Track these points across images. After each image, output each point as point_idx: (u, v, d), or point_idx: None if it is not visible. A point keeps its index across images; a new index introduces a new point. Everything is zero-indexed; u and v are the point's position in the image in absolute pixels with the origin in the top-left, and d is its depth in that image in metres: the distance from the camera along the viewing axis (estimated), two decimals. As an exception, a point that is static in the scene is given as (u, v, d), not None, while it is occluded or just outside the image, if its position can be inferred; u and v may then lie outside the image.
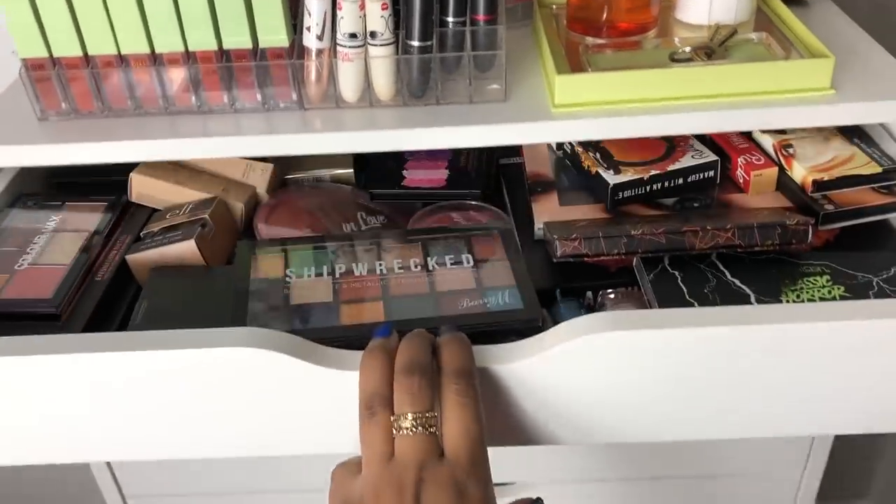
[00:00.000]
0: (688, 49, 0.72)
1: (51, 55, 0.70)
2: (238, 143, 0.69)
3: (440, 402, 0.51)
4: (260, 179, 0.77)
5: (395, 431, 0.50)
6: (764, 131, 0.74)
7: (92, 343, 0.55)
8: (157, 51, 0.70)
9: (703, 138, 0.76)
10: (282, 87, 0.70)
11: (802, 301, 0.59)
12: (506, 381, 0.55)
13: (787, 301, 0.59)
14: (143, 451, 0.59)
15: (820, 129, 0.73)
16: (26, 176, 0.79)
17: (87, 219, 0.72)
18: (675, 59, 0.71)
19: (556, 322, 0.65)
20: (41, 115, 0.73)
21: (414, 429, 0.49)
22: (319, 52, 0.68)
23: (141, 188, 0.74)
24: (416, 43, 0.68)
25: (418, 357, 0.52)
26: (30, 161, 0.73)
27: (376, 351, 0.53)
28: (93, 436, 0.58)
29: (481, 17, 0.68)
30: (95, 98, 0.72)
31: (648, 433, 0.58)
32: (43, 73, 0.71)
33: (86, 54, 0.70)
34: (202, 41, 0.69)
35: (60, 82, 0.71)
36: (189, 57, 0.70)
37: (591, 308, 0.67)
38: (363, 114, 0.71)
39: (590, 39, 0.76)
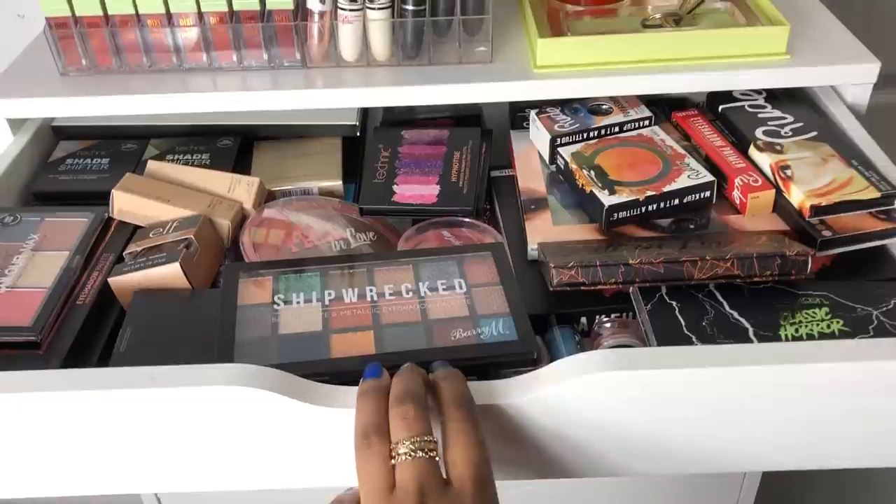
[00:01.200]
0: (658, 16, 0.81)
1: (73, 13, 0.77)
2: (246, 98, 0.78)
3: (442, 434, 0.49)
4: (246, 194, 0.75)
5: (393, 461, 0.48)
6: (761, 150, 0.73)
7: (73, 380, 0.53)
8: (172, 11, 0.77)
9: (699, 157, 0.75)
10: (286, 47, 0.79)
11: (801, 336, 0.58)
12: (506, 417, 0.54)
13: (786, 335, 0.58)
14: (129, 485, 0.58)
15: (817, 150, 0.72)
16: (2, 188, 0.77)
17: (67, 236, 0.70)
18: (646, 25, 0.81)
19: (549, 349, 0.64)
20: (62, 71, 0.81)
21: (412, 453, 0.47)
22: (322, 14, 0.76)
23: (123, 205, 0.72)
24: (410, 7, 0.76)
25: (410, 386, 0.51)
26: (52, 112, 0.81)
27: (369, 390, 0.52)
28: (75, 471, 0.57)
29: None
30: (113, 55, 0.79)
31: (648, 467, 0.57)
32: (65, 30, 0.78)
33: (105, 13, 0.77)
34: (214, 2, 0.76)
35: (81, 40, 0.78)
36: (201, 17, 0.77)
37: (586, 334, 0.66)
38: (361, 72, 0.79)
39: (569, 6, 0.86)
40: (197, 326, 0.63)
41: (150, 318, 0.64)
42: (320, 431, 0.54)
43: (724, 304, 0.61)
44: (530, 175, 0.78)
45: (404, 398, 0.50)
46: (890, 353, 0.52)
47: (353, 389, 0.53)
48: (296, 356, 0.58)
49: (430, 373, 0.54)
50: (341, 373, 0.56)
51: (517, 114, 0.87)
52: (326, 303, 0.62)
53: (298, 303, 0.62)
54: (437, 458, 0.48)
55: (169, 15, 0.77)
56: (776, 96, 0.81)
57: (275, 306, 0.62)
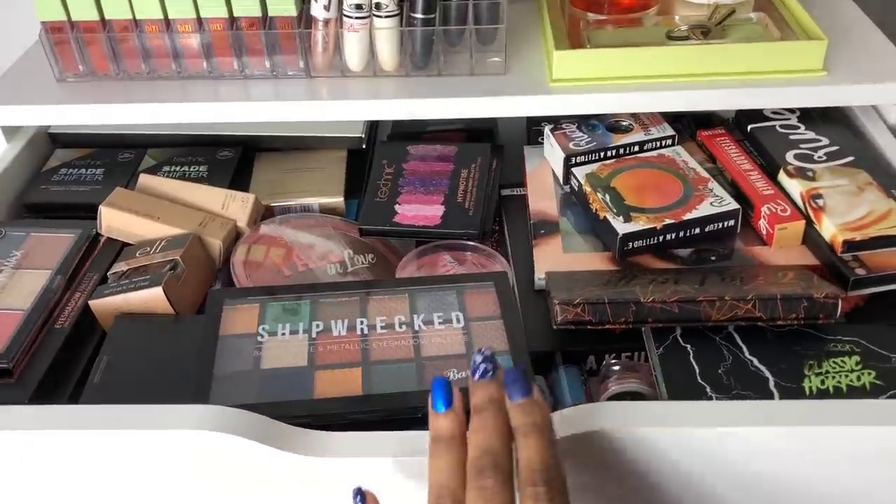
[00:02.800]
0: (685, 28, 0.75)
1: (69, 19, 0.74)
2: (247, 109, 0.74)
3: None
4: (240, 211, 0.71)
5: None
6: (791, 176, 0.68)
7: (36, 418, 0.50)
8: (171, 17, 0.73)
9: (724, 181, 0.70)
10: (290, 56, 0.75)
11: (827, 389, 0.53)
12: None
13: (810, 387, 0.53)
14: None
15: (853, 178, 0.67)
16: (-8, 199, 0.74)
17: (52, 254, 0.67)
18: (671, 37, 0.75)
19: (553, 390, 0.60)
20: (59, 77, 0.78)
21: None
22: (326, 21, 0.72)
23: (111, 222, 0.69)
24: (419, 15, 0.72)
25: (491, 446, 0.45)
26: (47, 120, 0.78)
27: (445, 439, 0.46)
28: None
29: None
30: (111, 61, 0.76)
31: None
32: (61, 35, 0.75)
33: (103, 18, 0.74)
34: (213, 9, 0.73)
35: (78, 45, 0.75)
36: (201, 24, 0.74)
37: (594, 374, 0.61)
38: (367, 83, 0.75)
39: (591, 15, 0.80)
40: (177, 356, 0.59)
41: (129, 346, 0.60)
42: (300, 481, 0.50)
43: (744, 349, 0.55)
44: (542, 195, 0.74)
45: (484, 467, 0.44)
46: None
47: (335, 436, 0.49)
48: (276, 395, 0.54)
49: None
50: (323, 415, 0.53)
51: (533, 128, 0.82)
52: (313, 335, 0.58)
53: (284, 334, 0.58)
54: None
55: (167, 21, 0.74)
56: (811, 116, 0.75)
57: (258, 338, 0.58)
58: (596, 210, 0.67)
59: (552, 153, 0.75)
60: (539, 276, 0.65)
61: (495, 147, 0.78)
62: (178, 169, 0.78)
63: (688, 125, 0.79)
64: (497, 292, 0.62)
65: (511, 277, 0.67)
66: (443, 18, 0.73)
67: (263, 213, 0.75)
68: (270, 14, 0.74)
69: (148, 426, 0.49)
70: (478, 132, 0.83)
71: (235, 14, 0.74)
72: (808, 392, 0.52)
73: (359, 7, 0.71)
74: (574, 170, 0.72)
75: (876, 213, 0.63)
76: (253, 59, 0.76)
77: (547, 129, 0.76)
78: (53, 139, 0.83)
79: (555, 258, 0.67)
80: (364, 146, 0.80)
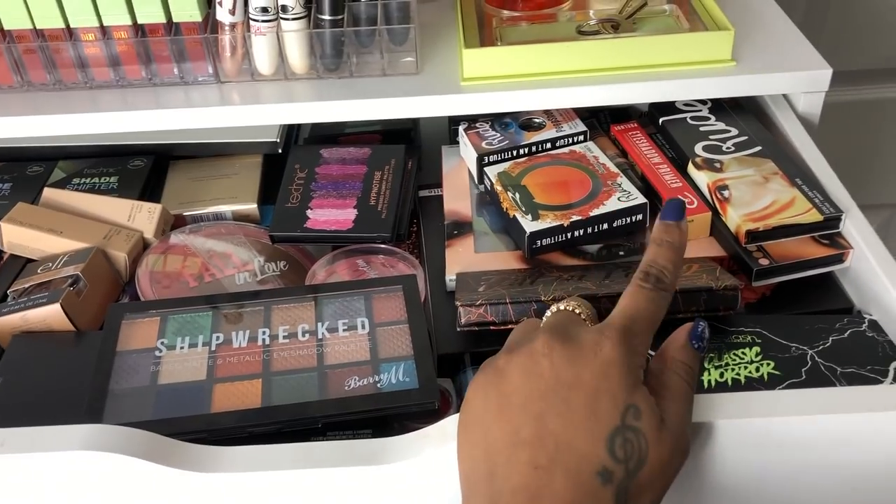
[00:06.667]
0: (594, 22, 0.76)
1: None
2: (158, 117, 0.73)
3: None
4: (147, 222, 0.70)
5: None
6: (699, 168, 0.68)
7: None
8: (72, 25, 0.72)
9: (634, 176, 0.70)
10: (198, 62, 0.74)
11: (726, 381, 0.53)
12: (388, 482, 0.49)
13: (709, 380, 0.53)
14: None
15: (760, 168, 0.67)
16: None
17: (-50, 273, 0.65)
18: (581, 31, 0.75)
19: (460, 393, 0.59)
20: (-40, 88, 0.76)
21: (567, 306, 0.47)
22: (233, 25, 0.72)
23: (12, 238, 0.67)
24: (326, 17, 0.71)
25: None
26: None
27: (668, 241, 0.46)
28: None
29: (394, -10, 0.71)
30: (14, 73, 0.74)
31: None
32: None
33: (1, 29, 0.72)
34: (116, 16, 0.72)
35: (-19, 58, 0.73)
36: (105, 32, 0.72)
37: (503, 375, 0.61)
38: (279, 86, 0.74)
39: (506, 13, 0.80)
40: (76, 375, 0.58)
41: (27, 365, 0.59)
42: (193, 498, 0.49)
43: (645, 344, 0.55)
44: (457, 195, 0.73)
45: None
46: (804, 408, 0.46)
47: (225, 450, 0.48)
48: (171, 411, 0.53)
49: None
50: (219, 430, 0.52)
51: (453, 127, 0.81)
52: (213, 348, 0.57)
53: (182, 348, 0.57)
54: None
55: (69, 30, 0.72)
56: (722, 107, 0.75)
57: (157, 352, 0.57)
58: (506, 209, 0.67)
59: (467, 152, 0.75)
60: (450, 277, 0.65)
61: (410, 148, 0.77)
62: (87, 181, 0.77)
63: (605, 119, 0.79)
64: (405, 295, 0.61)
65: (425, 280, 0.67)
66: (352, 19, 0.72)
67: (176, 223, 0.73)
68: (175, 20, 0.72)
69: (29, 449, 0.47)
70: (396, 133, 0.82)
71: (139, 21, 0.72)
72: (706, 385, 0.52)
73: (265, 10, 0.70)
74: (486, 169, 0.71)
75: (780, 203, 0.63)
76: (161, 67, 0.74)
77: (461, 129, 0.75)
78: (-43, 155, 0.81)
79: (466, 259, 0.66)
80: (280, 151, 0.79)
